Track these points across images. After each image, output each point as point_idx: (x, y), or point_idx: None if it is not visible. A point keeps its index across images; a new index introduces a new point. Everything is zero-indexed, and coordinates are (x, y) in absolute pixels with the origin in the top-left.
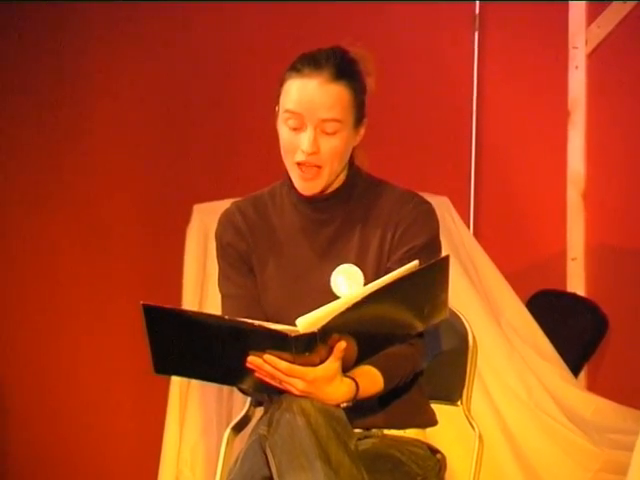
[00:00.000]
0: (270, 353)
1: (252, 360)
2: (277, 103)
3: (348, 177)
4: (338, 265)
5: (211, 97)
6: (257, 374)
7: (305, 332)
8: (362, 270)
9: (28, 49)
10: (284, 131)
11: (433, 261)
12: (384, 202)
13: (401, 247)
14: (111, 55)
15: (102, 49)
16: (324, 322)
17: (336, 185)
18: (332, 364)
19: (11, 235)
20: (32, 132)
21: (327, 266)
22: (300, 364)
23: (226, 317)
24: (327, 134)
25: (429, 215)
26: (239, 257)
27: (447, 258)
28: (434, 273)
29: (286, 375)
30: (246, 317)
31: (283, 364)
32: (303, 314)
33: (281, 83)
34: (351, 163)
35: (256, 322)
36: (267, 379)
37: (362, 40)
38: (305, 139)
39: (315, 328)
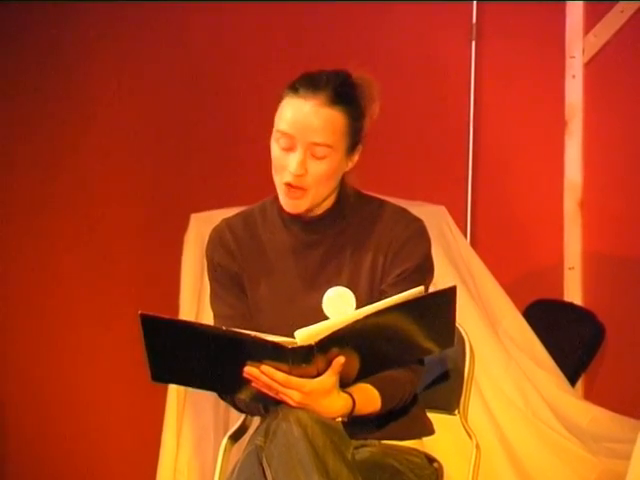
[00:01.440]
0: (267, 364)
1: (249, 370)
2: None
3: (339, 198)
4: (330, 287)
5: (210, 105)
6: (254, 384)
7: (302, 344)
8: (354, 293)
9: (27, 55)
10: (275, 149)
11: (439, 290)
12: (375, 222)
13: (394, 270)
14: (110, 63)
15: (101, 57)
16: (323, 336)
17: (326, 206)
18: (329, 377)
19: (9, 243)
20: (30, 140)
21: (319, 288)
22: (297, 375)
23: (223, 328)
24: (316, 158)
25: (421, 234)
26: (230, 278)
27: (454, 289)
28: (440, 302)
29: (283, 386)
30: None
31: (280, 375)
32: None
33: (279, 100)
34: (343, 183)
35: (252, 333)
36: (264, 389)
37: (358, 50)
38: (294, 161)
39: (313, 341)
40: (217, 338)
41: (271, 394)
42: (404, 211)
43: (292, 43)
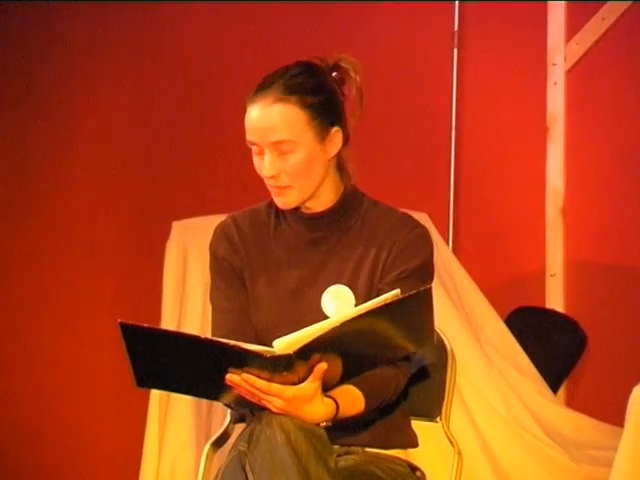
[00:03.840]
0: (248, 371)
1: (231, 378)
2: None
3: (343, 196)
4: (330, 285)
5: (192, 113)
6: (236, 390)
7: (281, 354)
8: (354, 291)
9: (13, 59)
10: (254, 159)
11: (414, 292)
12: (379, 224)
13: (394, 270)
14: (93, 70)
15: (84, 64)
16: (301, 344)
17: (330, 203)
18: (311, 384)
19: None
20: (12, 146)
21: (319, 285)
22: (278, 383)
23: (202, 336)
24: (284, 154)
25: (424, 239)
26: (232, 271)
27: (430, 289)
28: (417, 303)
29: (264, 393)
30: (235, 331)
31: (261, 382)
32: (292, 332)
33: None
34: (346, 181)
35: (232, 342)
36: (246, 396)
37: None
38: (264, 165)
39: (291, 350)
40: (197, 346)
41: (254, 400)
42: (409, 216)
43: (271, 46)
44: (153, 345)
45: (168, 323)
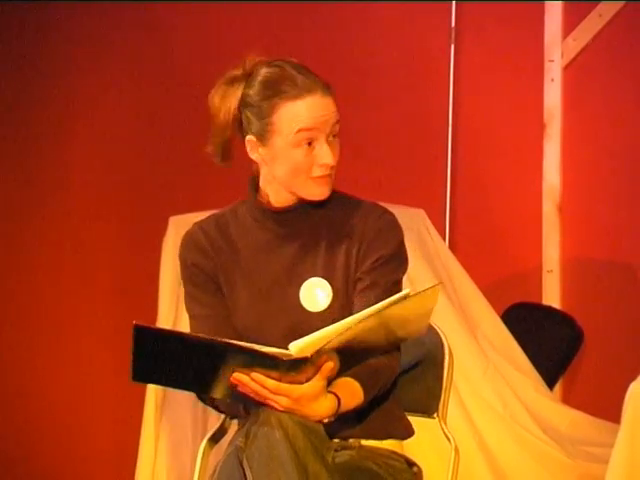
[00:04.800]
0: (258, 371)
1: (239, 377)
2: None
3: None
4: (306, 279)
5: (189, 109)
6: (240, 389)
7: (298, 357)
8: (330, 283)
9: (5, 60)
10: (299, 153)
11: (425, 289)
12: (348, 214)
13: (369, 257)
14: (87, 68)
15: (79, 60)
16: (318, 347)
17: (297, 197)
18: (318, 382)
19: None
20: (7, 145)
21: (295, 281)
22: (286, 382)
23: (219, 339)
24: (333, 138)
25: (394, 224)
26: (205, 277)
27: (437, 289)
28: (424, 301)
29: (273, 393)
30: (216, 336)
31: (270, 382)
32: (275, 331)
33: (268, 113)
34: None
35: (247, 345)
36: (251, 395)
37: (336, 54)
38: (325, 153)
39: (309, 353)
40: (210, 348)
41: (258, 399)
42: (376, 204)
43: (269, 46)
44: (164, 347)
45: (164, 318)
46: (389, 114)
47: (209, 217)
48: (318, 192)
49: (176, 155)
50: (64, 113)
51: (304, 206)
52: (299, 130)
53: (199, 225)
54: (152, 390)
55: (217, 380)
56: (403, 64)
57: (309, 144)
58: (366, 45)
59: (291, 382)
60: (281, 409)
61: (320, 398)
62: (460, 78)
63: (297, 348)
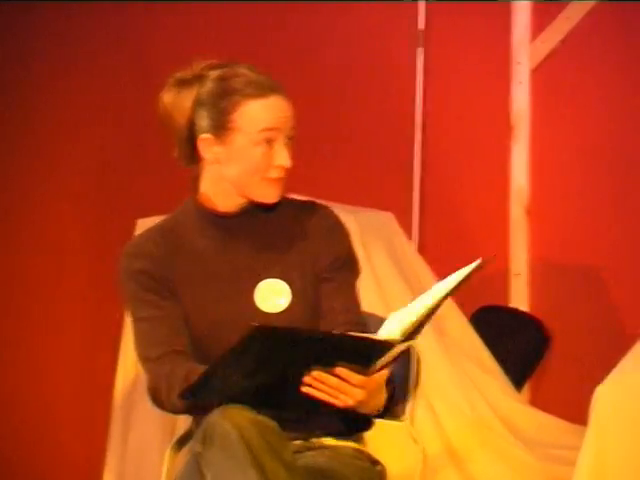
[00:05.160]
0: (342, 365)
1: (318, 375)
2: (220, 131)
3: None
4: (260, 281)
5: (156, 113)
6: (307, 389)
7: (402, 339)
8: (289, 284)
9: None
10: (257, 152)
11: (480, 261)
12: (294, 215)
13: (329, 255)
14: (60, 69)
15: (52, 63)
16: (410, 328)
17: (242, 201)
18: (385, 371)
19: None
20: None
21: (249, 284)
22: (366, 374)
23: (334, 332)
24: (289, 141)
25: (341, 222)
26: (155, 282)
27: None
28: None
29: (357, 387)
30: (169, 337)
31: (357, 377)
32: (232, 336)
33: (228, 111)
34: None
35: (358, 334)
36: (322, 392)
37: (307, 56)
38: (283, 155)
39: (403, 336)
40: (324, 342)
41: (326, 398)
42: (316, 202)
43: (236, 47)
44: (276, 348)
45: None
46: (357, 117)
47: (153, 227)
48: (270, 194)
49: (144, 157)
50: (33, 118)
51: (252, 209)
52: (263, 129)
53: (145, 236)
54: (119, 395)
55: (291, 387)
56: (371, 67)
57: (268, 143)
58: (333, 47)
59: (369, 374)
60: (353, 403)
61: (382, 388)
62: (428, 80)
63: (399, 332)
